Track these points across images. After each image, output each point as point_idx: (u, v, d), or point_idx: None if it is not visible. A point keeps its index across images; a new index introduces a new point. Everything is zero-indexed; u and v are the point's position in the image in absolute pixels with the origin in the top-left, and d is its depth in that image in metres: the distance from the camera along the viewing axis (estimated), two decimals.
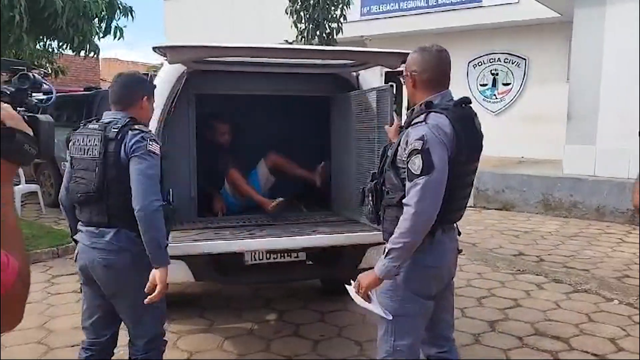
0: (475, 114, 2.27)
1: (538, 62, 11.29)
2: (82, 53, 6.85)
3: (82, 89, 9.53)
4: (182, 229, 3.41)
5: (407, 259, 2.16)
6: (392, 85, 3.15)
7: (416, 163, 2.07)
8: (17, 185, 8.02)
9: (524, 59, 11.50)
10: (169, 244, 3.03)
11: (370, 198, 2.45)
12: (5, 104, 1.03)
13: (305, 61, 3.54)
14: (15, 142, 1.00)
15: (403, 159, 2.15)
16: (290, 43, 7.37)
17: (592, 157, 8.22)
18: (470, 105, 2.28)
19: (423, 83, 2.24)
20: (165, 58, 2.85)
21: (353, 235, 3.25)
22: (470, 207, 9.02)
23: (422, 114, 2.16)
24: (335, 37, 9.49)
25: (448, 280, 2.42)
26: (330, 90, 3.95)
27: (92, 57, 6.88)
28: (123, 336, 2.79)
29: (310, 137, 4.21)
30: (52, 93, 1.21)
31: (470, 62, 12.05)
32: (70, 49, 6.96)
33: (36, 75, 1.15)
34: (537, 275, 5.37)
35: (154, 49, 2.79)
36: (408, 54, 2.38)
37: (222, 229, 3.46)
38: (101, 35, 6.96)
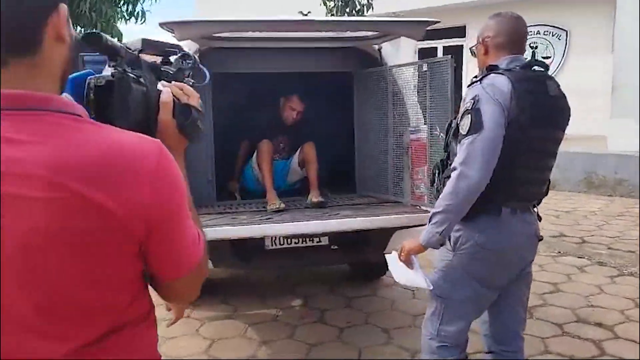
0: (551, 79, 2.09)
1: (580, 33, 10.72)
2: None
3: None
4: (199, 214, 3.28)
5: (451, 225, 2.01)
6: (452, 57, 2.94)
7: (465, 123, 1.97)
8: None
9: (565, 31, 10.95)
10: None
11: (436, 175, 2.30)
12: (180, 84, 1.05)
13: (324, 34, 3.34)
14: (192, 118, 1.02)
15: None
16: (305, 15, 7.11)
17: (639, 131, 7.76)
18: (545, 69, 2.13)
19: (494, 48, 2.12)
20: (173, 35, 2.70)
21: (377, 219, 3.06)
22: None
23: (483, 76, 2.04)
24: (365, 13, 9.19)
25: (519, 269, 2.20)
26: (353, 65, 3.74)
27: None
28: None
29: (333, 117, 4.01)
30: (206, 76, 1.18)
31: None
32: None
33: (196, 58, 1.13)
34: (579, 257, 5.08)
35: (161, 25, 2.65)
36: (431, 22, 2.19)
37: (241, 213, 3.32)
38: (126, 18, 6.88)
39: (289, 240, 3.29)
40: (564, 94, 2.10)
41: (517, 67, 2.03)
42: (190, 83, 1.10)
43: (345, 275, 4.57)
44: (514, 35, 2.10)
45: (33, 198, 0.76)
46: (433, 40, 12.57)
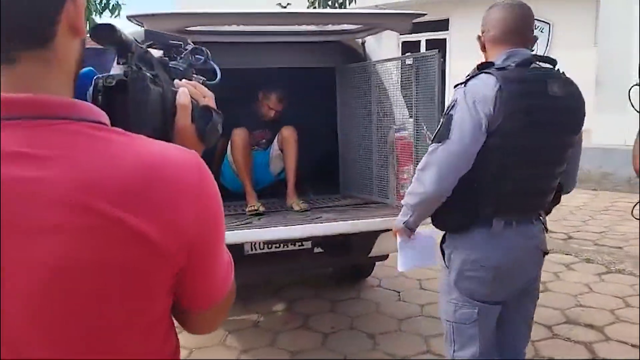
0: (554, 77, 1.85)
1: (563, 26, 10.68)
2: None
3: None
4: None
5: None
6: (439, 51, 2.79)
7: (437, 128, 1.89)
8: None
9: (548, 24, 10.89)
10: None
11: None
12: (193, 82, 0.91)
13: (305, 28, 3.18)
14: (213, 122, 0.89)
15: None
16: (284, 7, 6.89)
17: (623, 125, 7.71)
18: (549, 66, 1.91)
19: (491, 43, 1.94)
20: (143, 28, 2.52)
21: (361, 222, 2.92)
22: None
23: (471, 77, 1.86)
24: (348, 6, 9.02)
25: (523, 284, 2.03)
26: (335, 60, 3.59)
27: None
28: None
29: (316, 114, 3.85)
30: (217, 73, 1.00)
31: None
32: None
33: (208, 51, 1.00)
34: (565, 254, 5.00)
35: (129, 17, 2.47)
36: (418, 14, 2.04)
37: None
38: (100, 12, 6.62)
39: (269, 244, 3.13)
40: (572, 93, 1.88)
41: (512, 65, 1.82)
42: (201, 81, 0.97)
43: (329, 277, 4.44)
44: (512, 26, 1.88)
45: (58, 226, 0.61)
46: (416, 33, 12.48)
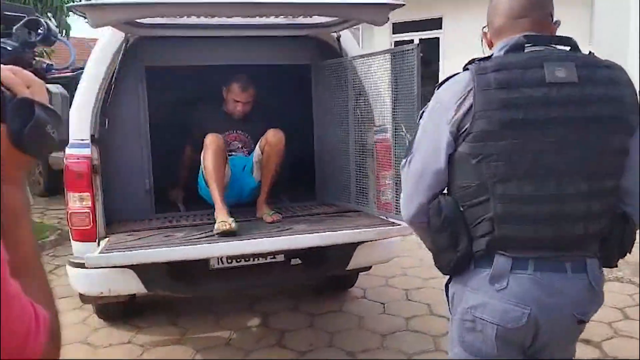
0: (561, 59, 1.42)
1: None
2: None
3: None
4: (132, 230, 2.85)
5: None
6: (418, 45, 2.51)
7: None
8: None
9: None
10: (114, 250, 2.49)
11: None
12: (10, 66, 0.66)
13: (274, 21, 2.91)
14: (35, 121, 0.63)
15: None
16: None
17: None
18: (570, 46, 1.49)
19: (495, 36, 1.58)
20: (87, 21, 2.26)
21: (335, 234, 2.65)
22: None
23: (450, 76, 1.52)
24: None
25: (546, 340, 1.48)
26: (309, 56, 3.32)
27: (63, 36, 6.24)
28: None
29: (291, 114, 3.59)
30: (72, 53, 0.71)
31: (484, 27, 11.28)
32: None
33: (50, 24, 0.66)
34: None
35: (70, 9, 2.21)
36: (395, 5, 1.76)
37: (180, 228, 2.88)
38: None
39: (238, 257, 2.87)
40: (599, 77, 1.40)
41: (501, 53, 1.46)
42: (45, 65, 0.71)
43: (310, 287, 4.16)
44: (517, 9, 1.51)
45: None
46: (409, 32, 12.24)
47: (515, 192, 1.38)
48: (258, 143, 3.32)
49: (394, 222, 2.76)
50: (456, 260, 1.47)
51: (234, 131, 3.53)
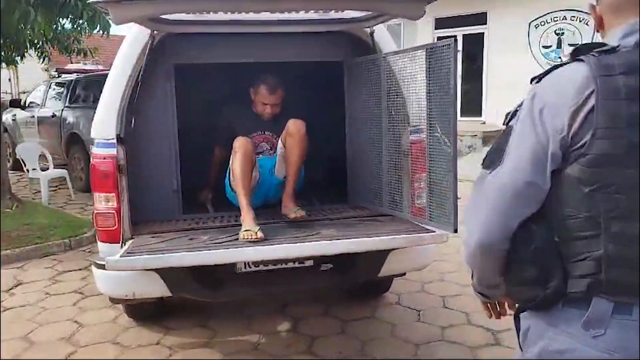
0: None
1: None
2: (95, 31, 6.32)
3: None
4: (158, 231, 2.79)
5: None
6: (455, 41, 2.33)
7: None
8: (46, 170, 7.75)
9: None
10: (135, 253, 2.43)
11: None
12: None
13: (305, 16, 2.79)
14: None
15: None
16: None
17: None
18: None
19: (609, 14, 1.24)
20: (109, 17, 2.20)
21: (365, 241, 2.51)
22: None
23: (551, 68, 1.23)
24: None
25: None
26: (341, 53, 3.18)
27: (103, 35, 6.28)
28: None
29: (323, 113, 3.46)
30: None
31: (531, 22, 10.89)
32: (78, 26, 6.48)
33: None
34: None
35: (93, 3, 2.15)
36: None
37: (207, 231, 2.80)
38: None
39: (265, 262, 2.77)
40: None
41: (630, 44, 1.15)
42: None
43: (341, 292, 4.03)
44: None
45: None
46: (452, 28, 11.93)
47: (636, 232, 1.12)
48: (280, 138, 3.21)
49: (427, 229, 2.60)
50: (543, 298, 1.23)
51: (262, 132, 3.43)
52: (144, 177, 2.91)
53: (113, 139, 2.69)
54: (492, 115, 11.41)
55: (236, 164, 2.92)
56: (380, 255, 2.79)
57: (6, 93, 15.92)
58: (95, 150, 2.72)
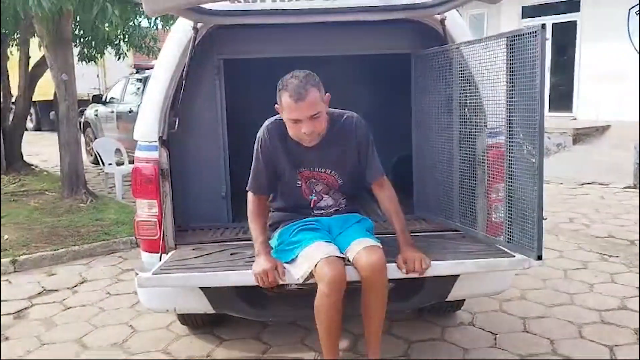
0: None
1: None
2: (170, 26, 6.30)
3: None
4: (201, 242, 2.57)
5: None
6: (543, 27, 1.93)
7: None
8: (121, 165, 7.89)
9: None
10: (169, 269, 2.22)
11: None
12: None
13: (366, 2, 2.46)
14: None
15: None
16: None
17: None
18: None
19: None
20: (141, 9, 1.99)
21: (434, 264, 2.15)
22: (630, 187, 7.32)
23: None
24: None
25: None
26: (408, 44, 2.82)
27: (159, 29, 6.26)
28: None
29: (387, 113, 3.11)
30: None
31: (631, 8, 9.92)
32: (153, 23, 6.48)
33: None
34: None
35: None
36: None
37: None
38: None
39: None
40: None
41: None
42: None
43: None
44: None
45: None
46: (541, 16, 11.10)
47: None
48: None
49: (504, 251, 2.20)
50: None
51: (311, 168, 2.41)
52: (190, 182, 2.71)
53: (155, 141, 2.50)
54: (585, 110, 10.54)
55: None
56: (449, 279, 2.42)
57: (94, 89, 16.63)
58: (137, 153, 2.54)
